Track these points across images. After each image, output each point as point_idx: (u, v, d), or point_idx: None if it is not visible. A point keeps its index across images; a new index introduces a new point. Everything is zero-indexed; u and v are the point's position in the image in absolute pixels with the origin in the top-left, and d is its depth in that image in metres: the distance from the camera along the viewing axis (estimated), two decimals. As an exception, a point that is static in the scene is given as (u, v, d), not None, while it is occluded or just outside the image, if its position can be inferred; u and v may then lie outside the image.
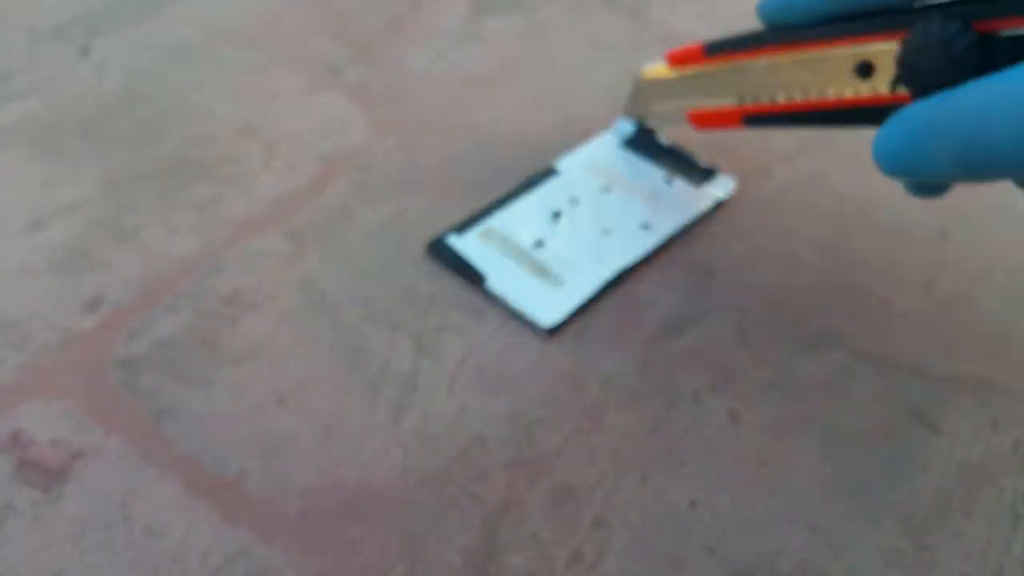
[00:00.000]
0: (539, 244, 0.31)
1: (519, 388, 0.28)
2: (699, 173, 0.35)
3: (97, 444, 0.26)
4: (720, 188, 0.34)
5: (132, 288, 0.31)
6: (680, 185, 0.34)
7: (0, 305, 0.30)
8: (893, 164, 0.20)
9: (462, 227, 0.32)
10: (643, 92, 0.34)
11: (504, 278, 0.30)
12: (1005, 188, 0.36)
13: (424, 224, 0.33)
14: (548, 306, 0.29)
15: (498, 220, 0.32)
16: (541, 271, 0.30)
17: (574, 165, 0.35)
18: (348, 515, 0.24)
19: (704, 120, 0.30)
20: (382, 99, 0.40)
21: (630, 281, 0.31)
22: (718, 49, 0.29)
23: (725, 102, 0.29)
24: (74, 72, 0.41)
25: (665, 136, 0.36)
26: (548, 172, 0.35)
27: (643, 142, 0.36)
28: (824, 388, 0.28)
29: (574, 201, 0.33)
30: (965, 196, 0.35)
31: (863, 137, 0.38)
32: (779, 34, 0.26)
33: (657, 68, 0.32)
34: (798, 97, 0.26)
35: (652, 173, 0.35)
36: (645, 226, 0.32)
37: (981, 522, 0.24)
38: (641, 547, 0.24)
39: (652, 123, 0.36)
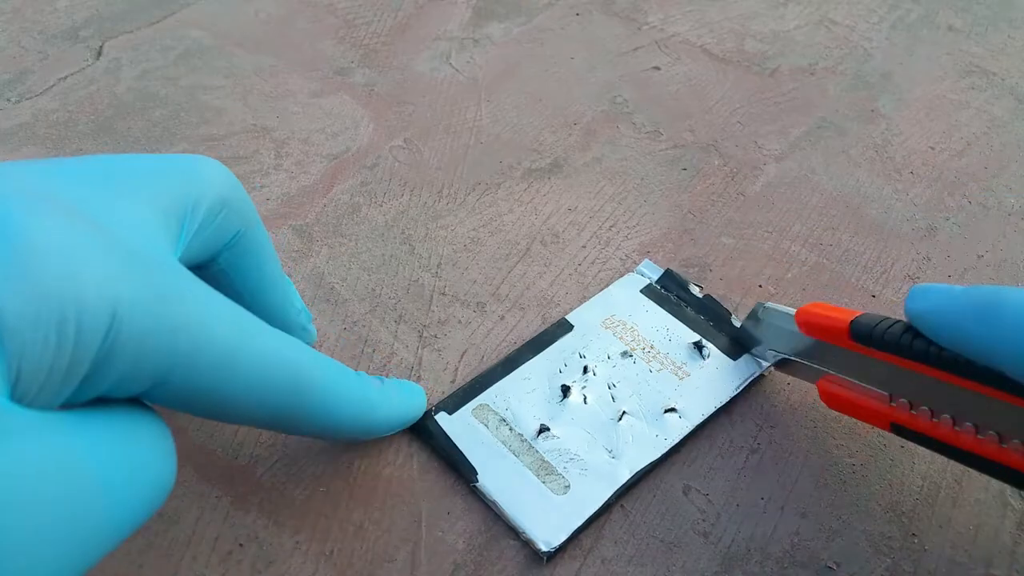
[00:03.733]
0: (543, 431, 0.26)
1: (520, 380, 0.28)
2: (734, 338, 0.29)
3: (112, 432, 0.27)
4: (759, 360, 0.28)
5: (145, 282, 0.31)
6: (714, 354, 0.28)
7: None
8: None
9: (453, 401, 0.27)
10: (768, 326, 0.27)
11: (499, 476, 0.25)
12: (990, 186, 0.36)
13: (428, 221, 0.34)
14: (547, 522, 0.24)
15: (496, 393, 0.27)
16: (544, 470, 0.25)
17: (590, 320, 0.29)
18: (355, 501, 0.25)
19: (839, 403, 0.25)
20: (388, 100, 0.40)
21: (625, 274, 0.32)
22: (871, 340, 0.22)
23: (868, 389, 0.24)
24: (88, 72, 0.42)
25: (698, 288, 0.30)
26: (560, 326, 0.29)
27: (673, 291, 0.30)
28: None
29: (587, 371, 0.27)
30: (950, 193, 0.36)
31: (853, 137, 0.38)
32: (954, 365, 0.21)
33: (779, 315, 0.26)
34: (969, 426, 0.21)
35: (682, 335, 0.29)
36: (672, 409, 0.26)
37: (970, 510, 0.25)
38: (636, 531, 0.24)
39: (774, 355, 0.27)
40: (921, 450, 0.26)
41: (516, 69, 0.42)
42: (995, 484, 0.25)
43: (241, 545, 0.24)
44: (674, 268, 0.32)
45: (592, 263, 0.32)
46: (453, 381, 0.28)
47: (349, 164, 0.37)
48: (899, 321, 0.22)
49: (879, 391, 0.24)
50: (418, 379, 0.28)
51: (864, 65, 0.43)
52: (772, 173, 0.37)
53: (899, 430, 0.23)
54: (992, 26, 0.46)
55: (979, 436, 0.21)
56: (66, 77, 0.41)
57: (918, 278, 0.32)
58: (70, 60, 0.42)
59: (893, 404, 0.23)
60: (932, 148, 0.38)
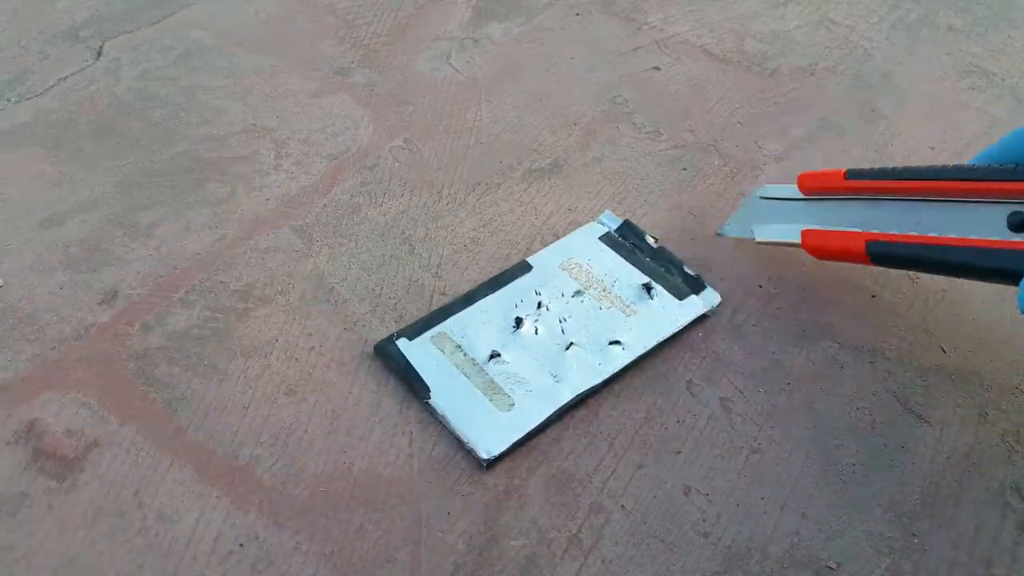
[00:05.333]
0: (494, 356, 0.27)
1: (520, 380, 0.28)
2: (684, 283, 0.30)
3: (111, 433, 0.27)
4: (704, 302, 0.30)
5: (146, 283, 0.31)
6: (662, 294, 0.30)
7: (16, 299, 0.31)
8: None
9: (415, 329, 0.28)
10: (757, 210, 0.31)
11: (450, 395, 0.26)
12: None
13: (428, 221, 0.34)
14: (490, 434, 0.25)
15: (455, 323, 0.29)
16: (492, 390, 0.27)
17: (549, 261, 0.31)
18: (355, 501, 0.25)
19: (822, 242, 0.28)
20: (388, 100, 0.40)
21: (629, 277, 0.32)
22: (862, 175, 0.27)
23: (848, 229, 0.27)
24: (88, 72, 0.41)
25: (653, 239, 0.32)
26: (520, 267, 0.31)
27: (629, 239, 0.32)
28: (814, 379, 0.28)
29: (541, 306, 0.29)
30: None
31: (853, 137, 0.38)
32: (930, 170, 0.25)
33: (778, 188, 0.30)
34: (933, 235, 0.24)
35: (633, 278, 0.30)
36: (616, 342, 0.28)
37: (970, 511, 0.25)
38: (637, 532, 0.24)
39: (756, 241, 0.31)
40: (921, 449, 0.26)
41: (516, 69, 0.42)
42: (995, 485, 0.25)
43: (241, 545, 0.24)
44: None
45: (592, 263, 0.32)
46: (453, 381, 0.28)
47: (349, 164, 0.37)
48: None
49: (855, 230, 0.26)
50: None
51: (864, 65, 0.43)
52: (772, 173, 0.37)
53: (876, 251, 0.26)
54: (992, 26, 0.46)
55: (945, 235, 0.24)
56: (66, 77, 0.41)
57: (918, 278, 0.32)
58: (70, 60, 0.42)
59: (869, 231, 0.26)
60: (932, 148, 0.38)
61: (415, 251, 0.33)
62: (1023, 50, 0.44)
